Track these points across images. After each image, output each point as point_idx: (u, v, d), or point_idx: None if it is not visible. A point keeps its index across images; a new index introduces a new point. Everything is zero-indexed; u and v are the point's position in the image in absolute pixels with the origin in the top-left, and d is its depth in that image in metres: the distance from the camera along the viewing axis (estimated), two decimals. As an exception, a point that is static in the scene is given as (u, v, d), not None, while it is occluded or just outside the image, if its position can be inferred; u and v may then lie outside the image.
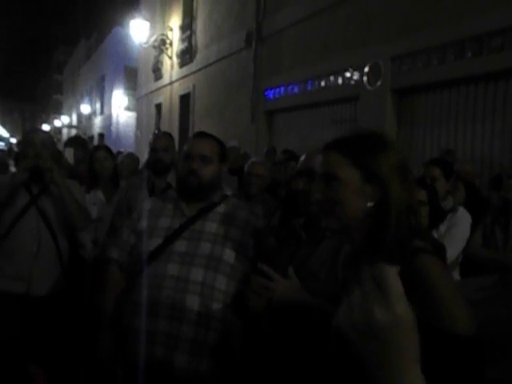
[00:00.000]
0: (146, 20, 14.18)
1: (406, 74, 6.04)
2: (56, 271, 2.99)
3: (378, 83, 6.36)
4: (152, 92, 15.61)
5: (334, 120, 7.57)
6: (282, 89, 8.59)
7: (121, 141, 22.89)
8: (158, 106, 15.12)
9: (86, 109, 31.16)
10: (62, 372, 2.96)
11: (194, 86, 12.28)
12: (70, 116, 38.71)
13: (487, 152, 5.34)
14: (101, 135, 27.53)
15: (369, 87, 6.53)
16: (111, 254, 2.37)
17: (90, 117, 30.91)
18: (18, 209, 2.92)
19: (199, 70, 11.89)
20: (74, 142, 5.27)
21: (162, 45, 13.89)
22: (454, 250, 3.06)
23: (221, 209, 2.27)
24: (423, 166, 3.50)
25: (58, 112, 44.76)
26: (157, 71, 14.87)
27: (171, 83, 13.78)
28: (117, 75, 24.83)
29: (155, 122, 15.36)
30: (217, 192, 2.31)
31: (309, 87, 7.87)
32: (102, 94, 27.73)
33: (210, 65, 11.26)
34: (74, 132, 37.30)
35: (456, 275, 3.21)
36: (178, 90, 13.42)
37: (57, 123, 43.26)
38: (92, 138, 29.81)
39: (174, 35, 13.58)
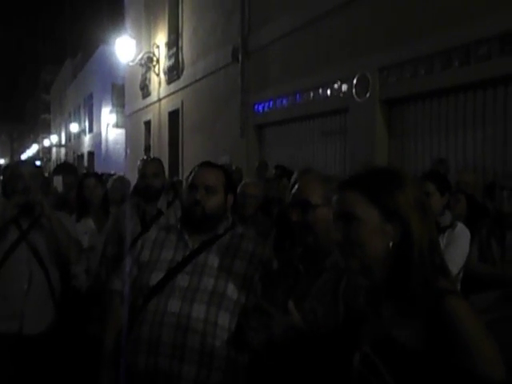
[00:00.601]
0: (132, 38, 14.19)
1: (394, 84, 6.04)
2: (48, 307, 2.93)
3: (367, 95, 6.36)
4: (140, 110, 15.58)
5: (324, 132, 7.56)
6: (271, 102, 8.58)
7: (111, 158, 22.84)
8: (147, 124, 15.08)
9: (74, 127, 31.11)
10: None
11: (182, 103, 12.26)
12: (59, 135, 38.62)
13: (479, 160, 5.33)
14: (90, 153, 27.45)
15: (358, 99, 6.52)
16: (114, 285, 2.31)
17: (79, 135, 30.84)
18: (8, 245, 2.85)
19: (187, 86, 11.88)
20: (62, 168, 5.20)
21: (148, 62, 13.88)
22: (454, 268, 3.01)
23: (225, 240, 2.21)
24: (417, 181, 3.46)
25: (46, 131, 44.68)
26: (144, 88, 14.84)
27: (159, 100, 13.76)
28: (104, 93, 24.84)
29: (144, 140, 15.32)
30: (222, 223, 2.25)
31: (297, 100, 7.86)
32: (90, 112, 27.72)
33: (198, 81, 11.25)
34: (63, 151, 37.20)
35: (456, 291, 3.16)
36: (166, 106, 13.40)
37: (46, 143, 43.14)
38: (82, 156, 29.73)
39: (161, 52, 13.58)
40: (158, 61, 13.70)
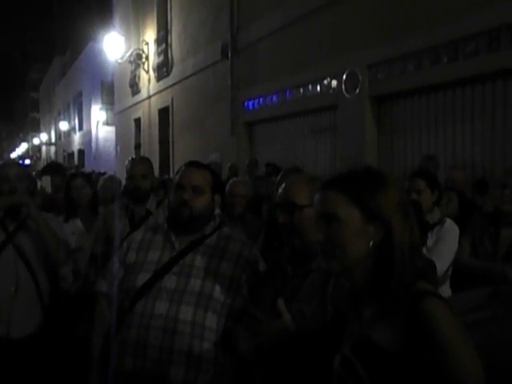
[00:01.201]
0: (121, 34, 14.10)
1: (383, 81, 6.04)
2: (36, 310, 2.89)
3: (356, 91, 6.35)
4: (130, 107, 15.49)
5: (313, 129, 7.55)
6: (261, 99, 8.56)
7: (101, 156, 22.70)
8: (137, 121, 15.00)
9: (64, 125, 30.87)
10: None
11: (172, 100, 12.20)
12: (49, 133, 38.34)
13: (468, 156, 5.35)
14: (81, 151, 27.28)
15: (347, 95, 6.52)
16: (100, 287, 2.30)
17: (68, 133, 30.63)
18: (-6, 248, 2.82)
19: (177, 83, 11.82)
20: (50, 168, 5.15)
21: (137, 59, 13.80)
22: (443, 264, 3.02)
23: (212, 241, 2.19)
24: (407, 179, 3.46)
25: (36, 130, 44.33)
26: (134, 86, 14.76)
27: (149, 97, 13.69)
28: (94, 90, 24.67)
29: (135, 137, 15.23)
30: (209, 223, 2.22)
31: (287, 97, 7.85)
32: (79, 110, 27.54)
33: (188, 77, 11.20)
34: (53, 149, 36.95)
35: (446, 288, 3.17)
36: (156, 103, 13.33)
37: (35, 141, 42.81)
38: (72, 154, 29.53)
39: (150, 49, 13.50)
40: (147, 58, 13.62)
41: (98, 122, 23.96)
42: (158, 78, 12.86)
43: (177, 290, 2.06)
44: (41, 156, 42.36)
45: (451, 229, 3.21)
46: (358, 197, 1.27)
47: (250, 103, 8.89)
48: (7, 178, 2.91)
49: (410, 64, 5.63)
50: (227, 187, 3.87)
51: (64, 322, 3.29)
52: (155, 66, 12.98)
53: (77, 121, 28.49)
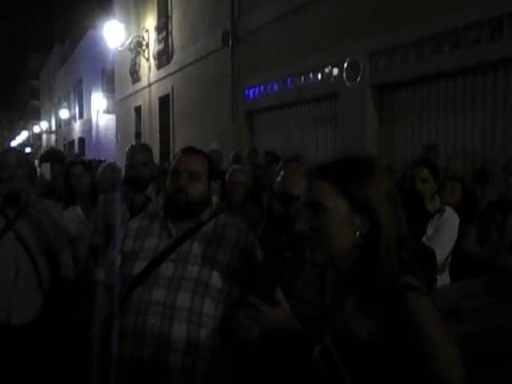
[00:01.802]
0: (121, 22, 14.01)
1: (384, 69, 6.01)
2: (37, 296, 2.90)
3: (357, 80, 6.32)
4: (130, 95, 15.44)
5: (314, 118, 7.53)
6: (262, 88, 8.52)
7: (102, 144, 22.66)
8: (138, 109, 14.96)
9: (64, 113, 30.77)
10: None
11: (172, 88, 12.15)
12: (49, 121, 38.25)
13: (469, 146, 5.33)
14: (81, 139, 27.23)
15: (348, 84, 6.49)
16: (98, 275, 2.29)
17: (69, 121, 30.55)
18: (-6, 235, 2.82)
19: (177, 71, 11.77)
20: (50, 156, 5.14)
21: (138, 47, 13.73)
22: (442, 252, 3.02)
23: (209, 228, 2.18)
24: (410, 167, 3.45)
25: (36, 118, 44.21)
26: (134, 74, 14.69)
27: (149, 85, 13.64)
28: (94, 78, 24.57)
29: (135, 125, 15.20)
30: (206, 210, 2.22)
31: (288, 85, 7.81)
32: (80, 97, 27.43)
33: (188, 65, 11.14)
34: (53, 138, 36.88)
35: (446, 277, 3.18)
36: (156, 91, 13.29)
37: (36, 129, 42.73)
38: (72, 142, 29.49)
39: (150, 36, 13.42)
40: (147, 45, 13.55)
41: (98, 110, 23.89)
42: (159, 66, 12.81)
43: (174, 277, 2.06)
44: (41, 144, 42.30)
45: (451, 217, 3.22)
46: (345, 187, 1.23)
47: (251, 91, 8.85)
48: (7, 165, 2.91)
49: (411, 53, 5.60)
50: (227, 175, 3.86)
51: (64, 308, 3.31)
52: (155, 53, 12.91)
53: (77, 109, 28.40)
